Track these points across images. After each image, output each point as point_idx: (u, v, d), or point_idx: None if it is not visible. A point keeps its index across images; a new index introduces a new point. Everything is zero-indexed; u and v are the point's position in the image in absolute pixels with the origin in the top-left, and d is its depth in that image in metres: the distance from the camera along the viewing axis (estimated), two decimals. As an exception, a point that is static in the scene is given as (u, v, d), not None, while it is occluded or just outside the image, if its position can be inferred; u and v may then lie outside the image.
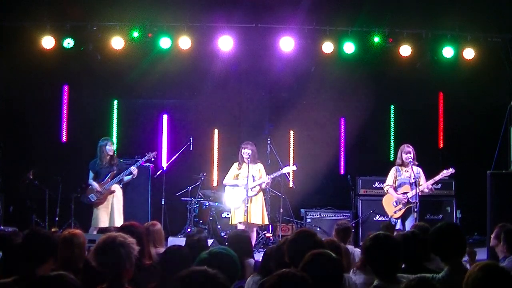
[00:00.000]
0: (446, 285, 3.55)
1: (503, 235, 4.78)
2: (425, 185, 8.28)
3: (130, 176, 8.65)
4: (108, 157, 8.55)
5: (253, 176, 8.56)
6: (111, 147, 8.59)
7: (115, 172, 8.53)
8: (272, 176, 8.61)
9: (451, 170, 8.33)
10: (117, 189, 8.61)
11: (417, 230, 4.73)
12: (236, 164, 8.74)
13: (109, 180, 8.49)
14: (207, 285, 2.34)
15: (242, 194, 8.44)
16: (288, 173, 9.81)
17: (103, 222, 8.41)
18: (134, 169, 8.60)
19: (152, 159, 9.05)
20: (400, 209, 8.30)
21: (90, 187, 8.50)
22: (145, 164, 9.80)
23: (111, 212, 8.48)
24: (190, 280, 2.37)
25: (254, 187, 8.53)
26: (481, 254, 7.09)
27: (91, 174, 8.59)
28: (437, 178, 8.37)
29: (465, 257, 4.04)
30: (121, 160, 9.10)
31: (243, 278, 4.14)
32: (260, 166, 8.73)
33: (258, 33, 10.09)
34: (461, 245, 3.79)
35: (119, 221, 8.45)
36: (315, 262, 3.08)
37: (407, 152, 8.31)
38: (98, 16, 9.79)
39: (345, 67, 10.37)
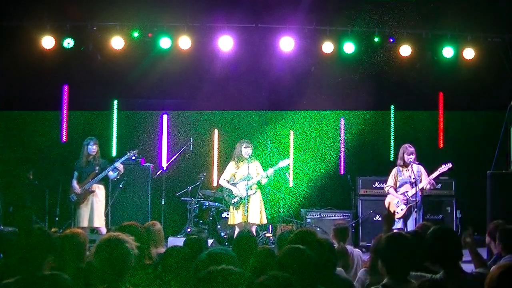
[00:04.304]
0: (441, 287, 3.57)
1: (498, 234, 4.79)
2: (426, 181, 8.30)
3: (116, 173, 8.69)
4: (90, 157, 8.62)
5: (249, 174, 8.58)
6: (94, 147, 8.64)
7: (96, 172, 8.58)
8: (272, 170, 8.61)
9: (449, 165, 8.35)
10: (99, 189, 8.66)
11: (420, 230, 4.73)
12: (233, 163, 8.74)
13: (90, 180, 8.55)
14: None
15: (242, 193, 8.46)
16: (288, 172, 9.81)
17: (83, 222, 8.50)
18: (119, 165, 8.64)
19: (133, 157, 9.05)
20: (402, 209, 8.32)
21: (71, 187, 8.63)
22: (145, 164, 9.82)
23: (90, 212, 8.53)
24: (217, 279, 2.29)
25: (253, 185, 8.54)
26: (481, 254, 7.09)
27: (75, 174, 8.71)
28: (436, 174, 8.40)
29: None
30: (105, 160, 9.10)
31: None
32: (257, 164, 8.77)
33: (258, 33, 10.09)
34: (458, 250, 3.78)
35: (98, 222, 8.54)
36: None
37: (410, 153, 8.33)
38: (98, 16, 9.78)
39: (345, 67, 10.36)
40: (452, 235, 3.85)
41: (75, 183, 8.61)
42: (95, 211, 8.55)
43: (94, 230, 8.65)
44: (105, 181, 8.81)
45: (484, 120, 10.36)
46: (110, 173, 8.66)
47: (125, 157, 8.88)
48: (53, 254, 3.39)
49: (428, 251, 3.84)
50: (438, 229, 3.89)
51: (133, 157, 9.05)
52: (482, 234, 8.35)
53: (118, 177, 8.88)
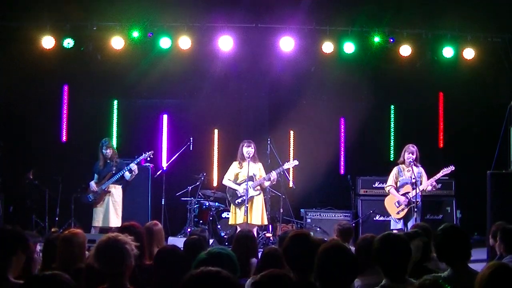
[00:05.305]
0: (450, 285, 3.57)
1: (500, 235, 4.79)
2: (427, 183, 8.30)
3: (131, 174, 8.71)
4: (106, 159, 8.67)
5: (254, 175, 8.56)
6: (108, 150, 8.69)
7: (112, 172, 8.64)
8: (277, 172, 8.60)
9: (451, 168, 8.37)
10: (115, 189, 8.70)
11: (419, 230, 4.73)
12: (236, 163, 8.73)
13: (106, 180, 8.59)
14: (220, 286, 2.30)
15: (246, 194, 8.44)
16: (289, 172, 9.80)
17: (98, 222, 8.60)
18: (133, 166, 8.68)
19: (148, 159, 9.08)
20: (402, 210, 8.32)
21: (88, 187, 8.71)
22: (145, 164, 9.81)
23: (105, 211, 8.60)
24: (202, 281, 2.31)
25: (256, 186, 8.53)
26: (481, 254, 7.12)
27: (95, 176, 8.79)
28: (438, 176, 8.40)
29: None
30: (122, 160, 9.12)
31: (247, 277, 4.14)
32: (260, 165, 8.74)
33: (258, 33, 10.09)
34: (467, 249, 3.78)
35: (114, 221, 8.56)
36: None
37: (410, 152, 8.34)
38: (98, 16, 9.79)
39: (345, 67, 10.35)
40: (461, 234, 3.84)
41: (93, 183, 8.70)
42: (111, 210, 8.62)
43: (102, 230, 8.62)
44: (122, 181, 8.79)
45: (484, 120, 10.36)
46: (126, 173, 8.69)
47: (141, 157, 8.90)
48: (23, 251, 3.36)
49: (436, 249, 3.84)
50: (447, 228, 3.88)
51: (148, 158, 9.08)
52: (482, 234, 8.40)
53: (133, 177, 8.86)
